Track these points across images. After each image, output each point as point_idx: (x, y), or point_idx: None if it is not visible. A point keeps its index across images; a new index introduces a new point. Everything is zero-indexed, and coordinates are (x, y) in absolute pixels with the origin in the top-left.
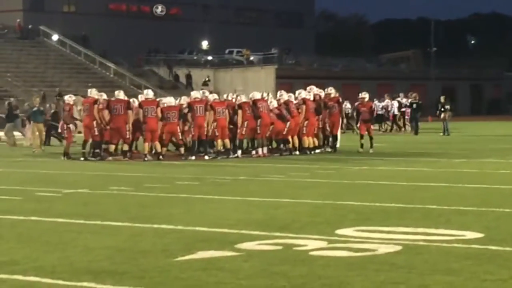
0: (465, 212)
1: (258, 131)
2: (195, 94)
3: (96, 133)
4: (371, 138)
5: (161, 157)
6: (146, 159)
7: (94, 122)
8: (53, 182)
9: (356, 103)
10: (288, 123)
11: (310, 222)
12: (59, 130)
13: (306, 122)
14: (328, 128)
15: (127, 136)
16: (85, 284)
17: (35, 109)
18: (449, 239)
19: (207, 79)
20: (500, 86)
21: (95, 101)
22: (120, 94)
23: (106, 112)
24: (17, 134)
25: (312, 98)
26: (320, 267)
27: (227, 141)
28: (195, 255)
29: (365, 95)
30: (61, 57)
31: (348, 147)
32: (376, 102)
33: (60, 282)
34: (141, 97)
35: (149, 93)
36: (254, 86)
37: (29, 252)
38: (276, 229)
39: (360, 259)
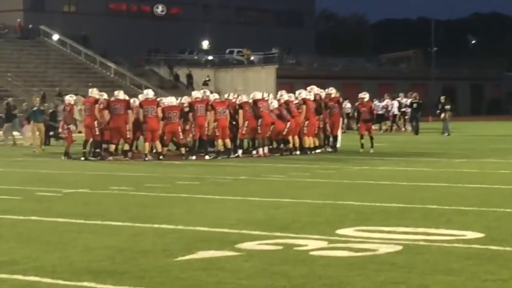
0: (465, 212)
1: (259, 131)
2: (196, 94)
3: (97, 132)
4: (371, 138)
5: (161, 157)
6: (146, 159)
7: (95, 122)
8: (53, 181)
9: (356, 103)
10: (289, 123)
11: (311, 222)
12: (60, 130)
13: (306, 122)
14: (328, 128)
15: (128, 136)
16: (85, 284)
17: (35, 108)
18: (449, 239)
19: (207, 78)
20: (500, 86)
21: (96, 101)
22: (120, 94)
23: (106, 112)
24: (16, 134)
25: (312, 98)
26: (321, 267)
27: (227, 141)
28: (195, 255)
29: (364, 95)
30: (61, 57)
31: (348, 147)
32: (376, 102)
33: (60, 282)
34: (141, 97)
35: (149, 93)
36: (255, 86)
37: (29, 252)
38: (276, 229)
39: (360, 259)
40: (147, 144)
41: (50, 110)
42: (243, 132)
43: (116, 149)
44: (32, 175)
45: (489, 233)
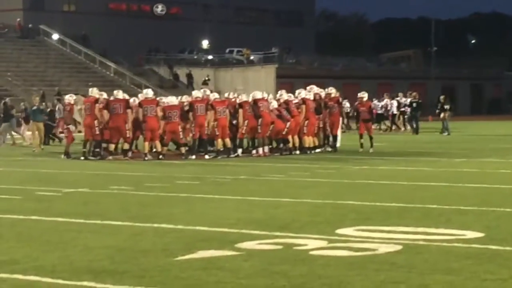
0: (465, 211)
1: (259, 131)
2: (197, 93)
3: (97, 132)
4: (371, 138)
5: (161, 156)
6: (146, 158)
7: (96, 121)
8: (53, 181)
9: (356, 103)
10: (288, 123)
11: (310, 221)
12: (60, 129)
13: (306, 122)
14: (328, 128)
15: (128, 135)
16: (85, 283)
17: (35, 108)
18: (449, 239)
19: (207, 78)
20: (500, 86)
21: (96, 100)
22: (119, 94)
23: (105, 112)
24: (14, 133)
25: (312, 98)
26: (320, 266)
27: (227, 140)
28: (195, 254)
29: (363, 95)
30: (61, 56)
31: (348, 147)
32: (375, 101)
33: (60, 281)
34: (140, 97)
35: (148, 93)
36: (255, 85)
37: (29, 252)
38: (276, 228)
39: (360, 258)
40: (146, 143)
41: (48, 109)
42: (243, 132)
43: (115, 148)
44: (32, 175)
45: (489, 233)
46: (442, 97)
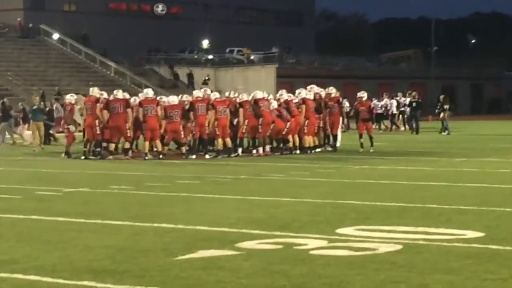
0: (465, 211)
1: (260, 130)
2: (197, 93)
3: (98, 132)
4: (370, 138)
5: (161, 156)
6: (146, 158)
7: (97, 121)
8: (53, 181)
9: (355, 103)
10: (289, 123)
11: (311, 221)
12: (57, 129)
13: (306, 122)
14: (328, 128)
15: (128, 135)
16: (85, 283)
17: (35, 107)
18: (449, 238)
19: (207, 78)
20: (500, 86)
21: (97, 100)
22: (119, 93)
23: (105, 112)
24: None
25: (312, 98)
26: (320, 266)
27: (228, 140)
28: (195, 254)
29: (363, 94)
30: (61, 56)
31: (348, 147)
32: (375, 101)
33: (61, 281)
34: (141, 96)
35: (149, 92)
36: (255, 85)
37: (30, 251)
38: (276, 228)
39: (360, 258)
40: (147, 143)
41: (47, 109)
42: (243, 131)
43: (116, 148)
44: (32, 174)
45: (489, 233)
46: (442, 97)
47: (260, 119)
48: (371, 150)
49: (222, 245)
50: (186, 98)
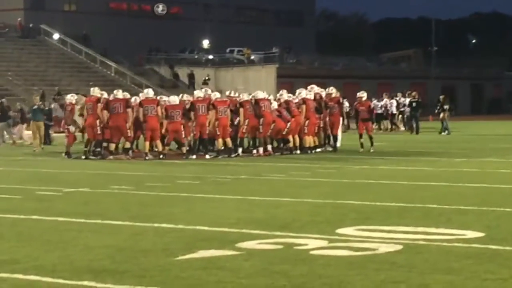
0: (465, 211)
1: (261, 130)
2: (198, 93)
3: (99, 132)
4: (370, 138)
5: (161, 156)
6: (147, 158)
7: (98, 121)
8: (53, 181)
9: (355, 103)
10: (289, 123)
11: (311, 221)
12: (61, 129)
13: (307, 122)
14: (328, 128)
15: (129, 134)
16: (85, 283)
17: (35, 107)
18: (449, 239)
19: (207, 78)
20: (500, 86)
21: (98, 100)
22: (119, 93)
23: (105, 112)
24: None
25: (312, 97)
26: (321, 266)
27: (228, 140)
28: (195, 254)
29: (362, 94)
30: (62, 56)
31: (348, 147)
32: (375, 101)
33: (61, 281)
34: (141, 96)
35: (149, 92)
36: (255, 85)
37: (30, 251)
38: (276, 228)
39: (360, 258)
40: (147, 143)
41: (46, 108)
42: (243, 131)
43: (116, 148)
44: (32, 174)
45: (489, 233)
46: (441, 97)
47: (261, 119)
48: (372, 150)
49: (223, 245)
50: (186, 97)
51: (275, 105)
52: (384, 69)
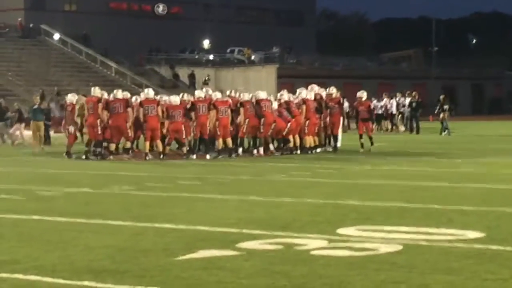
0: (466, 211)
1: (261, 130)
2: (199, 93)
3: (100, 132)
4: (370, 138)
5: (162, 156)
6: (147, 158)
7: (98, 121)
8: (54, 181)
9: (355, 103)
10: (289, 123)
11: (311, 221)
12: (61, 129)
13: (307, 122)
14: (329, 128)
15: (129, 134)
16: (86, 283)
17: (35, 107)
18: (450, 239)
19: (206, 78)
20: (501, 85)
21: (99, 100)
22: (118, 93)
23: (105, 112)
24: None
25: (313, 97)
26: (321, 266)
27: (229, 140)
28: (196, 254)
29: (362, 94)
30: (62, 56)
31: (349, 147)
32: (375, 101)
33: (61, 281)
34: (142, 96)
35: (149, 92)
36: (256, 85)
37: (30, 251)
38: (277, 228)
39: (361, 258)
40: (147, 143)
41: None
42: (244, 131)
43: (116, 148)
44: (33, 174)
45: (489, 233)
46: (441, 97)
47: (262, 120)
48: (371, 150)
49: (223, 245)
50: (187, 97)
51: (275, 106)
52: (385, 69)
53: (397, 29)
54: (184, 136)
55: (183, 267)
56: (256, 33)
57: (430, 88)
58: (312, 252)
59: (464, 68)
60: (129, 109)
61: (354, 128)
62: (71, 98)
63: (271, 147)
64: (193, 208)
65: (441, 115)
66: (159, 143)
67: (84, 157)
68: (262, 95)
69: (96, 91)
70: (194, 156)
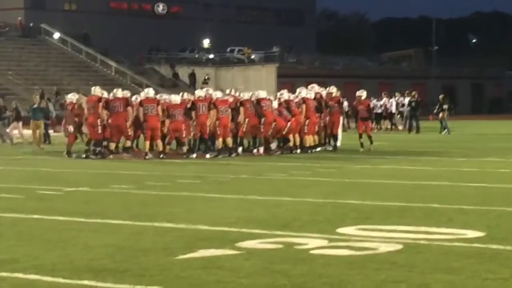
0: (466, 211)
1: (262, 130)
2: (199, 92)
3: (100, 131)
4: (369, 137)
5: (162, 155)
6: (147, 157)
7: (99, 120)
8: (54, 180)
9: (354, 102)
10: (289, 123)
11: (311, 220)
12: (62, 129)
13: (307, 121)
14: (328, 127)
15: (129, 133)
16: (85, 282)
17: (35, 106)
18: (450, 238)
19: (206, 77)
20: (501, 85)
21: (99, 99)
22: (118, 92)
23: (105, 111)
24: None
25: (313, 97)
26: (321, 265)
27: (229, 139)
28: (195, 253)
29: (361, 93)
30: (62, 55)
31: (348, 146)
32: (374, 101)
33: (61, 280)
34: (142, 95)
35: (149, 92)
36: (256, 84)
37: (30, 250)
38: (277, 227)
39: (360, 257)
40: (147, 142)
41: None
42: (243, 130)
43: (116, 147)
44: (33, 174)
45: (489, 232)
46: (441, 96)
47: (262, 119)
48: (371, 148)
49: (223, 244)
50: (187, 96)
51: (275, 105)
52: (385, 69)
53: (397, 29)
54: (184, 136)
55: (182, 266)
56: (256, 32)
57: (430, 87)
58: (312, 252)
59: (464, 68)
60: (129, 108)
61: (354, 127)
62: (71, 97)
63: (273, 146)
64: (193, 207)
65: (440, 115)
66: (159, 142)
67: (84, 156)
68: (262, 94)
69: (96, 91)
70: (194, 155)
